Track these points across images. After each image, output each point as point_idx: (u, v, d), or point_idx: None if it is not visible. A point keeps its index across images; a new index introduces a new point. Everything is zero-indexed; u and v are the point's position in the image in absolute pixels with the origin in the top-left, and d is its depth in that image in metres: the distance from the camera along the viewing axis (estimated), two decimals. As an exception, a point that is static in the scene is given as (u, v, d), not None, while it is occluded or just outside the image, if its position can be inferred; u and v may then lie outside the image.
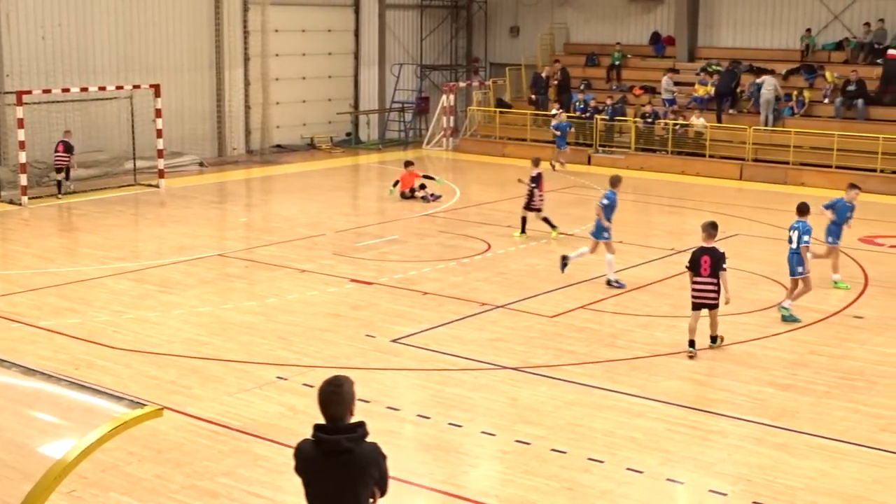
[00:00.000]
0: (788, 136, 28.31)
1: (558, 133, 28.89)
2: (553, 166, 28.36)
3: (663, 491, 9.43)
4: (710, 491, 9.35)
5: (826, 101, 30.00)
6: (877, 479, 9.52)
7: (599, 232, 16.52)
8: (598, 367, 12.62)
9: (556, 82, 33.22)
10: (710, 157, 29.44)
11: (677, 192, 26.07)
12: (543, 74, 33.64)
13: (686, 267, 13.32)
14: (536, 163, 20.11)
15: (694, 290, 13.09)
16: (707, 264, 12.93)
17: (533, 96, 33.43)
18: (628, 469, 9.74)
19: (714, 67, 32.00)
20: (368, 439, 5.92)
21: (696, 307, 13.07)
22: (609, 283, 16.39)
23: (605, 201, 16.56)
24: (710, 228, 13.13)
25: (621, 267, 17.61)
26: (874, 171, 26.98)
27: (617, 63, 34.31)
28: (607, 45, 35.14)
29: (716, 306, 13.10)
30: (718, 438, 10.52)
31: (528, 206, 19.95)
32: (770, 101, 29.54)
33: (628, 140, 30.86)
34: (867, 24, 31.12)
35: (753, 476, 9.60)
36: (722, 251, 13.11)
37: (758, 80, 29.82)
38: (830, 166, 27.52)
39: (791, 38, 32.65)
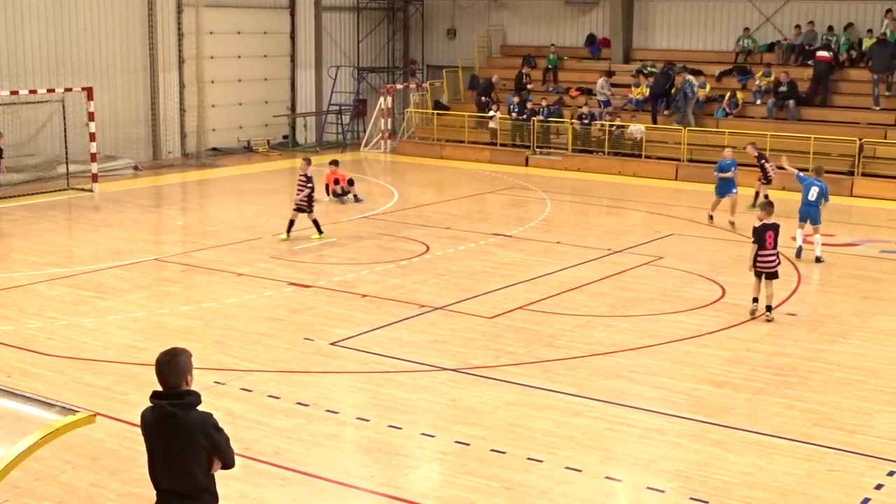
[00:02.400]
0: (722, 136, 28.67)
1: (724, 175, 21.61)
2: (710, 216, 22.00)
3: (602, 489, 9.49)
4: (648, 488, 9.43)
5: (758, 102, 30.47)
6: (810, 474, 9.67)
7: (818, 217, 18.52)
8: (537, 367, 12.67)
9: (527, 85, 33.34)
10: (646, 157, 29.73)
11: (614, 193, 26.29)
12: (524, 73, 33.63)
13: (752, 242, 14.85)
14: (309, 162, 20.05)
15: (760, 261, 14.71)
16: (771, 238, 14.68)
17: (482, 98, 33.36)
18: (567, 468, 9.79)
19: (649, 69, 32.35)
20: (205, 410, 6.33)
21: (762, 275, 14.80)
22: (818, 259, 18.38)
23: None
24: (769, 206, 14.99)
25: (558, 268, 17.74)
26: (806, 170, 27.37)
27: (553, 65, 34.52)
28: (543, 46, 35.33)
29: (776, 275, 14.87)
30: (656, 436, 10.62)
31: (310, 207, 19.61)
32: (692, 99, 29.98)
33: (565, 141, 31.06)
34: (798, 26, 31.67)
35: (690, 473, 9.70)
36: (779, 224, 14.86)
37: (691, 83, 30.19)
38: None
39: (724, 40, 33.10)
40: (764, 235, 14.71)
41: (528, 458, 9.98)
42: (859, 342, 13.92)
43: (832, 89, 30.39)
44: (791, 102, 29.65)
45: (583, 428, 10.79)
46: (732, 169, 21.59)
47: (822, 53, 30.13)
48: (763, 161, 23.24)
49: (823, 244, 18.65)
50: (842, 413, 11.23)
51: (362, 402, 11.55)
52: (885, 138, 27.76)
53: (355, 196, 23.94)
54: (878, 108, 29.23)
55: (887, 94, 29.40)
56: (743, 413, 11.21)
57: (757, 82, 30.85)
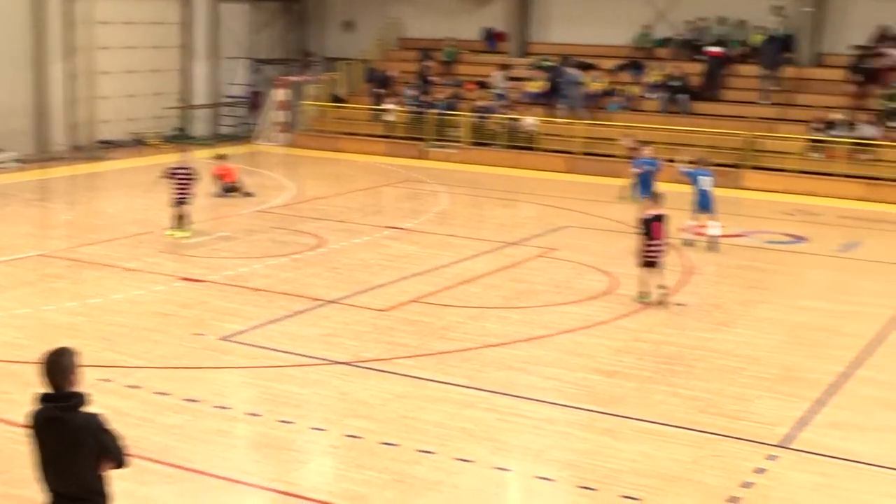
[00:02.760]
0: (616, 129, 29.08)
1: (640, 170, 20.87)
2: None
3: (492, 479, 9.54)
4: (538, 477, 9.52)
5: (652, 96, 30.99)
6: (695, 459, 9.87)
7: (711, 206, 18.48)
8: (430, 360, 12.69)
9: (429, 77, 33.32)
10: (541, 151, 30.02)
11: (509, 186, 26.48)
12: (426, 66, 33.56)
13: (641, 232, 15.18)
14: (188, 153, 19.94)
15: (647, 251, 15.05)
16: (658, 228, 15.04)
17: (378, 91, 33.23)
18: (458, 459, 9.82)
19: (545, 63, 32.63)
20: (93, 411, 6.22)
21: (649, 265, 15.15)
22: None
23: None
24: (657, 197, 15.48)
25: (452, 260, 17.79)
26: (693, 163, 27.94)
27: (450, 58, 34.61)
28: (441, 39, 35.37)
29: (661, 265, 15.28)
30: (547, 426, 10.72)
31: (189, 200, 19.23)
32: (578, 90, 30.41)
33: (461, 135, 31.17)
34: (689, 21, 32.29)
35: (580, 461, 9.82)
36: (666, 214, 15.29)
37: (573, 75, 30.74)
38: (655, 159, 28.42)
39: (620, 35, 33.52)
40: (651, 226, 15.02)
41: (420, 451, 9.99)
42: (743, 330, 14.26)
43: (723, 84, 31.08)
44: (683, 97, 30.26)
45: (475, 419, 10.83)
46: (647, 167, 20.64)
47: (713, 49, 30.82)
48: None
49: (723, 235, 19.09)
50: (725, 400, 11.49)
51: (253, 398, 11.43)
52: (773, 132, 28.49)
53: (244, 192, 23.57)
54: (766, 102, 29.98)
55: (775, 89, 30.17)
56: (632, 401, 11.39)
57: (649, 77, 31.38)
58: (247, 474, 9.52)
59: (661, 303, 15.08)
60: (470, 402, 11.34)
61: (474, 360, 12.72)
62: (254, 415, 10.86)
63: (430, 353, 12.95)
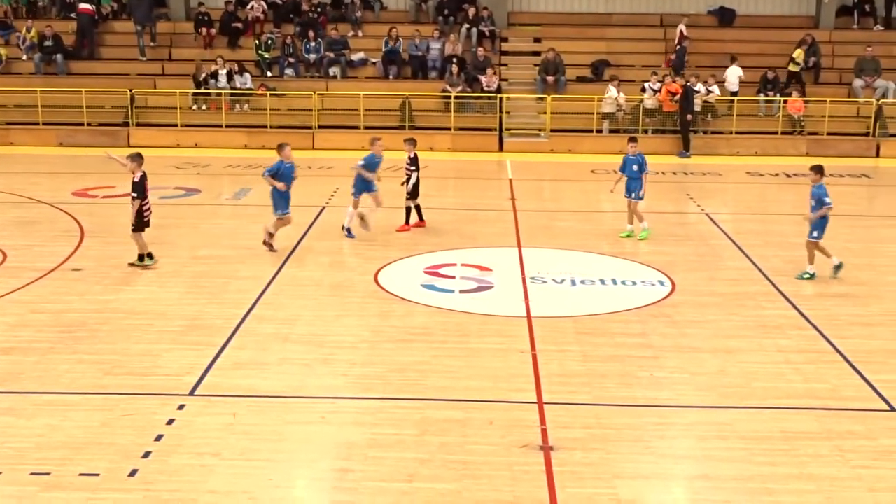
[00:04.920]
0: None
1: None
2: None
3: None
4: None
5: (25, 58, 29.59)
6: (105, 422, 9.70)
7: None
8: None
9: None
10: None
11: None
12: None
13: (134, 197, 14.79)
14: None
15: (146, 212, 14.91)
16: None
17: None
18: None
19: None
20: None
21: (145, 227, 15.05)
22: None
23: None
24: (139, 157, 14.83)
25: None
26: (81, 124, 27.34)
27: None
28: None
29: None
30: (-60, 418, 9.92)
31: None
32: None
33: None
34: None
35: (-20, 449, 9.24)
36: None
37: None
38: (38, 123, 27.33)
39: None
40: (144, 187, 14.93)
41: None
42: (145, 287, 14.25)
43: (98, 42, 30.52)
44: (59, 56, 29.25)
45: None
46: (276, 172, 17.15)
47: (84, 6, 30.07)
48: None
49: (104, 196, 18.77)
50: (132, 358, 11.42)
51: None
52: (155, 87, 28.63)
53: None
54: (144, 58, 29.97)
55: (152, 44, 30.25)
56: (32, 376, 10.89)
57: (22, 38, 29.91)
58: None
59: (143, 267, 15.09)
60: None
61: None
62: None
63: None
